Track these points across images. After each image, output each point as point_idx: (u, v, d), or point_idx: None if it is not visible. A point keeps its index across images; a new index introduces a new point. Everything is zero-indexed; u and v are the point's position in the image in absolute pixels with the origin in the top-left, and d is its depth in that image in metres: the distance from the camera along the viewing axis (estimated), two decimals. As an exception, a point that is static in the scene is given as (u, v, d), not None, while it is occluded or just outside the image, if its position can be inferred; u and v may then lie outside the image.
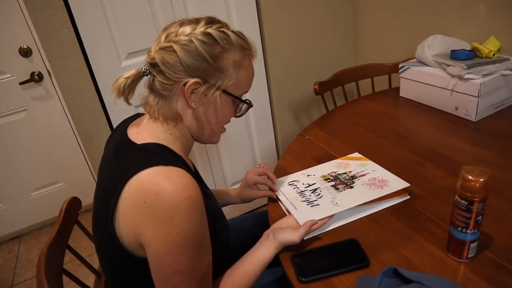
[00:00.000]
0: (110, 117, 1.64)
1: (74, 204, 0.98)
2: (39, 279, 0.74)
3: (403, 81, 1.47)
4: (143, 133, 0.76)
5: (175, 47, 0.71)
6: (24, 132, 2.15)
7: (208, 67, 0.72)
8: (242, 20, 1.74)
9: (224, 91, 0.75)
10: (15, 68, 2.00)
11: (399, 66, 1.46)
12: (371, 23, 1.91)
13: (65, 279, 0.86)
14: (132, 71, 0.75)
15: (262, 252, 0.80)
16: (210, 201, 0.82)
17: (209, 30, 0.72)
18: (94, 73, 1.54)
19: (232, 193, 1.12)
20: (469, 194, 0.68)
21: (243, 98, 0.82)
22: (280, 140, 2.09)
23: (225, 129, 0.86)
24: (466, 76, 1.21)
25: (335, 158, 1.15)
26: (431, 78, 1.34)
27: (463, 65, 1.21)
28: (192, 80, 0.71)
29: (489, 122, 1.24)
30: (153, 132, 0.76)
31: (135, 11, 1.51)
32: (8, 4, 1.87)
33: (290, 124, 2.09)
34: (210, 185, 1.98)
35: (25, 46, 1.98)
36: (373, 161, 1.08)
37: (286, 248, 0.83)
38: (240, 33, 0.77)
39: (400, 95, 1.51)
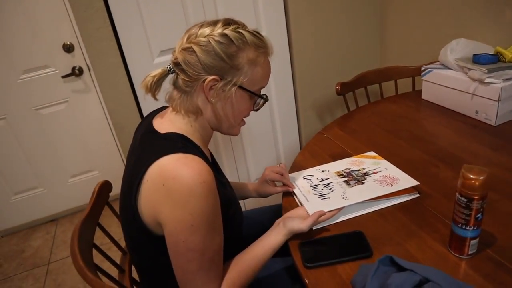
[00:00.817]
0: (142, 110, 1.75)
1: (105, 186, 1.08)
2: (73, 249, 0.83)
3: (425, 84, 1.49)
4: (166, 124, 0.84)
5: (195, 47, 0.78)
6: (64, 122, 2.31)
7: (225, 65, 0.79)
8: (270, 24, 1.81)
9: (240, 87, 0.82)
10: (58, 63, 2.16)
11: (422, 69, 1.48)
12: (397, 26, 1.92)
13: (94, 252, 0.96)
14: (158, 70, 0.84)
15: (272, 238, 0.87)
16: (225, 188, 0.89)
17: (225, 31, 0.78)
18: (129, 68, 1.66)
19: (250, 187, 1.18)
20: (468, 192, 0.71)
21: (261, 93, 0.88)
22: (304, 138, 2.14)
23: (244, 122, 0.92)
24: (487, 80, 1.22)
25: (351, 156, 1.20)
26: (452, 82, 1.36)
27: (484, 69, 1.22)
28: (210, 77, 0.79)
29: (510, 127, 1.24)
30: (176, 123, 0.84)
31: (168, 11, 1.61)
32: (55, 3, 2.02)
33: (314, 123, 2.13)
34: (234, 178, 2.07)
35: (68, 43, 2.13)
36: (387, 160, 1.12)
37: (295, 236, 0.89)
38: (256, 32, 0.83)
39: (422, 97, 1.52)
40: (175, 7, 1.61)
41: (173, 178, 0.71)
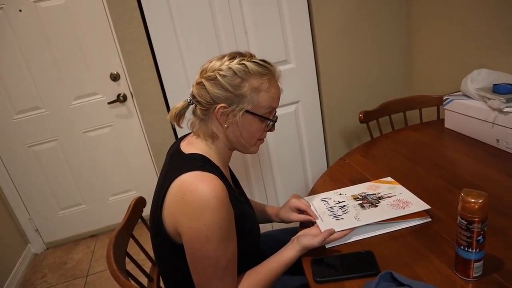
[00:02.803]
0: (177, 135, 1.89)
1: (140, 202, 1.20)
2: (108, 254, 0.94)
3: (448, 113, 1.52)
4: (190, 146, 0.97)
5: (205, 82, 0.91)
6: (108, 145, 2.51)
7: (230, 95, 0.90)
8: (298, 53, 1.92)
9: (248, 111, 0.92)
10: (105, 90, 2.38)
11: (444, 98, 1.51)
12: (425, 56, 1.97)
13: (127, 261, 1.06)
14: (181, 102, 0.98)
15: (286, 253, 0.94)
16: (242, 205, 0.98)
17: (230, 64, 0.90)
18: (167, 97, 1.81)
19: (270, 211, 1.23)
20: (468, 215, 0.75)
21: (275, 113, 0.98)
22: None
23: (262, 141, 1.02)
24: (506, 109, 1.24)
25: (369, 181, 1.25)
26: (473, 111, 1.38)
27: (503, 98, 1.25)
28: (218, 106, 0.91)
29: (532, 156, 1.25)
30: (197, 146, 0.96)
31: (205, 46, 1.76)
32: (105, 37, 2.26)
33: (342, 150, 2.17)
34: (263, 202, 2.14)
35: (115, 72, 2.35)
36: (403, 186, 1.16)
37: (309, 253, 0.95)
38: (262, 61, 0.94)
39: (445, 126, 1.55)
40: (210, 39, 1.77)
41: (191, 192, 0.81)
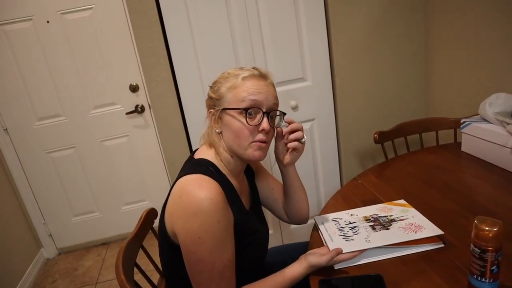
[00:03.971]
0: (192, 148, 1.91)
1: (151, 213, 1.21)
2: (117, 264, 0.95)
3: (465, 136, 1.50)
4: (200, 153, 1.02)
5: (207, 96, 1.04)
6: (124, 154, 2.55)
7: (213, 99, 0.99)
8: (316, 72, 1.93)
9: (225, 109, 0.95)
10: (124, 101, 2.43)
11: (461, 121, 1.49)
12: (443, 77, 1.95)
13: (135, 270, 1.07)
14: None
15: (293, 269, 0.94)
16: (247, 216, 0.99)
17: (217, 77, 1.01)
18: (184, 109, 1.84)
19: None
20: (482, 243, 0.74)
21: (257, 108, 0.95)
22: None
23: (259, 143, 0.95)
24: (525, 136, 1.22)
25: (382, 202, 1.23)
26: (491, 135, 1.36)
27: (522, 125, 1.23)
28: (208, 111, 1.01)
29: (551, 184, 1.21)
30: (206, 153, 1.00)
31: (223, 61, 1.79)
32: (127, 49, 2.32)
33: (356, 170, 2.15)
34: (275, 221, 2.12)
35: (134, 83, 2.40)
36: (416, 209, 1.14)
37: (317, 273, 0.94)
38: (244, 67, 1.00)
39: (462, 150, 1.53)
40: (228, 55, 1.80)
41: (187, 192, 0.84)
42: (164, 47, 1.75)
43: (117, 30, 2.28)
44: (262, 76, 0.98)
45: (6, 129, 2.37)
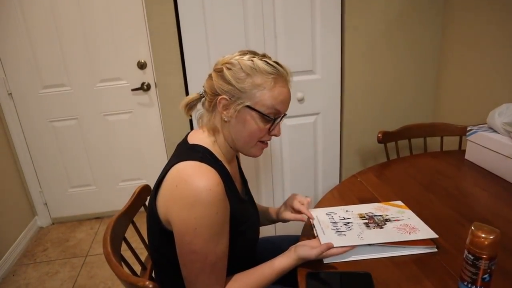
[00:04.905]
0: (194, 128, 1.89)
1: (145, 189, 1.21)
2: (105, 237, 0.94)
3: (470, 144, 1.47)
4: (195, 137, 0.97)
5: (213, 74, 0.93)
6: (125, 131, 2.54)
7: (232, 87, 0.89)
8: (325, 66, 1.90)
9: (248, 107, 0.89)
10: (130, 77, 2.41)
11: (468, 129, 1.47)
12: (454, 84, 1.92)
13: (124, 247, 1.06)
14: (194, 94, 1.00)
15: (281, 260, 0.92)
16: (242, 204, 0.97)
17: (239, 59, 0.90)
18: (189, 91, 1.82)
19: (271, 211, 1.23)
20: (476, 250, 0.72)
21: (279, 116, 0.94)
22: (343, 181, 2.15)
23: (265, 144, 0.97)
24: (531, 149, 1.19)
25: (378, 202, 1.22)
26: (497, 145, 1.34)
27: (530, 137, 1.20)
28: (220, 97, 0.90)
29: (553, 200, 1.19)
30: (202, 138, 0.96)
31: (232, 45, 1.77)
32: (138, 24, 2.29)
33: (356, 168, 2.13)
34: (269, 205, 2.11)
35: (142, 61, 2.38)
36: (412, 211, 1.12)
37: (305, 266, 0.93)
38: (271, 61, 0.91)
39: (465, 157, 1.50)
40: (239, 43, 1.77)
41: (185, 181, 0.81)
42: (175, 26, 1.72)
43: (129, 5, 2.25)
44: (288, 80, 0.94)
45: (11, 93, 2.35)
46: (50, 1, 2.20)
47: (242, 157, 1.23)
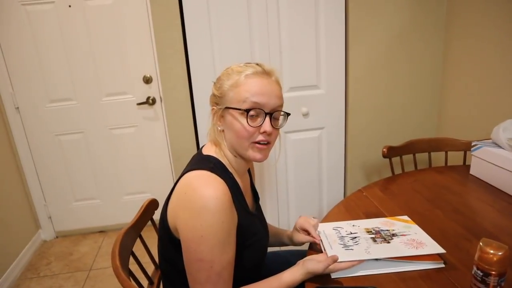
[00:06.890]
0: (200, 144, 1.91)
1: (152, 204, 1.21)
2: (114, 250, 0.95)
3: (475, 159, 1.48)
4: (207, 149, 1.00)
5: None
6: (130, 144, 2.56)
7: (215, 96, 0.97)
8: (330, 81, 1.92)
9: (228, 108, 0.93)
10: (136, 91, 2.44)
11: (472, 144, 1.48)
12: (457, 99, 1.94)
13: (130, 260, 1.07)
14: None
15: (289, 274, 0.93)
16: (250, 217, 0.98)
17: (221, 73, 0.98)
18: (195, 106, 1.84)
19: (285, 235, 1.22)
20: (485, 266, 0.72)
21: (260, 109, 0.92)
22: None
23: (259, 145, 0.93)
24: (537, 164, 1.20)
25: (385, 216, 1.22)
26: (502, 161, 1.34)
27: (535, 153, 1.21)
28: (211, 108, 0.98)
29: (560, 216, 1.19)
30: (212, 150, 0.99)
31: (238, 59, 1.79)
32: (144, 39, 2.33)
33: (360, 182, 2.14)
34: (274, 223, 2.12)
35: (148, 75, 2.41)
36: (419, 226, 1.12)
37: (314, 281, 0.93)
38: (248, 63, 0.96)
39: (470, 173, 1.51)
40: (245, 59, 1.80)
41: (193, 189, 0.83)
42: (182, 40, 1.76)
43: (136, 20, 2.29)
44: (266, 73, 0.94)
45: (18, 107, 2.38)
46: (58, 17, 2.25)
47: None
